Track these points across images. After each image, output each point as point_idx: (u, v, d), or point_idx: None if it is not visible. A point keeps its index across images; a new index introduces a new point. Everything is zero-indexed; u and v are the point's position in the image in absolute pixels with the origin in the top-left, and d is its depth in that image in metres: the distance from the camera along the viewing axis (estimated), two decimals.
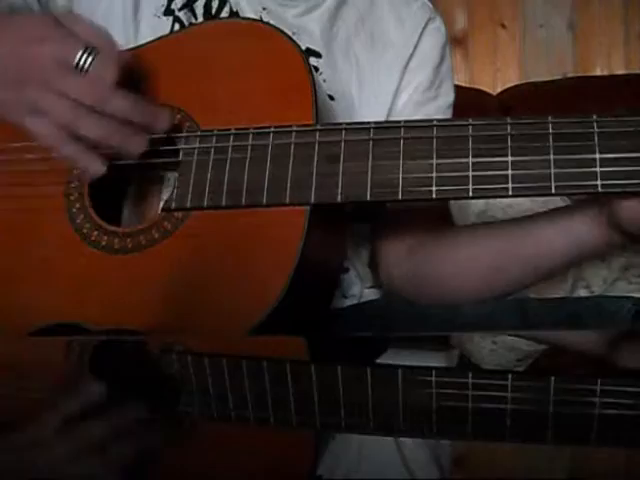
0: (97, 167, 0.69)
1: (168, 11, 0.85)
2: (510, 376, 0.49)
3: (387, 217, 0.87)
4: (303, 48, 0.83)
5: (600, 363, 0.53)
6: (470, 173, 0.64)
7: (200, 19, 0.85)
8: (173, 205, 0.71)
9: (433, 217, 0.85)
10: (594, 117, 0.63)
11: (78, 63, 0.67)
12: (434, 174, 0.65)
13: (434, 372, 0.51)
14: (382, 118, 0.87)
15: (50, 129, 0.68)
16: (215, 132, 0.71)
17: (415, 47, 0.89)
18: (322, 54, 0.86)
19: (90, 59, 0.67)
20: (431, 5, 0.93)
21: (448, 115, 0.91)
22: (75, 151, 0.69)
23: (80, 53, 0.67)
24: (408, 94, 0.89)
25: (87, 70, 0.67)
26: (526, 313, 0.76)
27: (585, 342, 0.63)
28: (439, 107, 0.90)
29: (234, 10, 0.85)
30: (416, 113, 0.88)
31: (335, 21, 0.88)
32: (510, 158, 0.63)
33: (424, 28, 0.90)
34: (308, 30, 0.86)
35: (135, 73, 0.76)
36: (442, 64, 0.91)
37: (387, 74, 0.88)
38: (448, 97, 0.92)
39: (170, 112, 0.72)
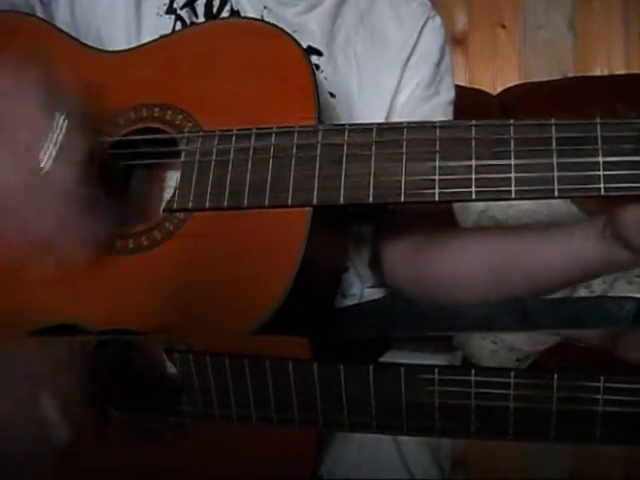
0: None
1: (170, 10, 0.85)
2: (512, 374, 0.49)
3: (391, 217, 0.87)
4: (304, 46, 0.83)
5: (600, 363, 0.53)
6: (473, 176, 0.64)
7: (201, 18, 0.85)
8: (175, 206, 0.71)
9: (437, 218, 0.85)
10: (597, 120, 0.63)
11: (54, 133, 0.67)
12: (437, 176, 0.65)
13: (436, 371, 0.51)
14: (382, 115, 0.87)
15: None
16: (217, 133, 0.71)
17: (415, 45, 0.89)
18: (323, 52, 0.86)
19: (66, 123, 0.67)
20: (430, 4, 0.93)
21: (449, 112, 0.91)
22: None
23: (57, 117, 0.67)
24: (409, 92, 0.89)
25: (59, 142, 0.67)
26: (526, 313, 0.76)
27: (586, 342, 0.63)
28: (440, 104, 0.90)
29: (235, 9, 0.85)
30: (416, 110, 0.88)
31: (335, 19, 0.88)
32: (513, 161, 0.63)
33: (423, 26, 0.90)
34: (309, 29, 0.86)
35: (135, 75, 0.76)
36: (442, 61, 0.92)
37: (387, 72, 0.88)
38: (448, 94, 0.92)
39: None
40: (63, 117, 0.67)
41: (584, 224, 0.72)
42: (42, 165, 0.66)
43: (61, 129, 0.67)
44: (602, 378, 0.46)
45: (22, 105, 0.67)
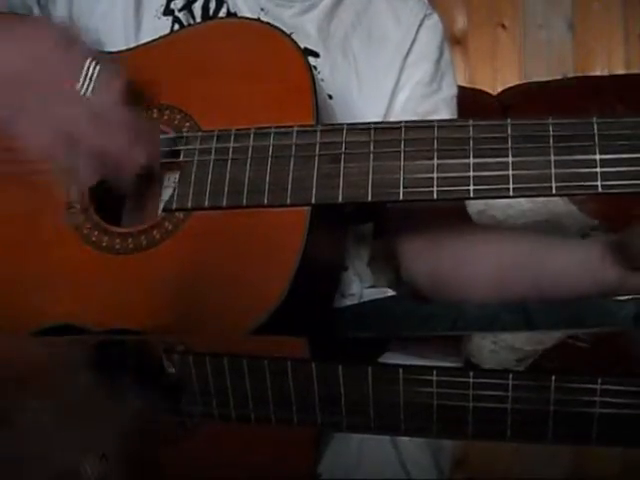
0: (89, 177, 0.69)
1: (167, 11, 0.85)
2: (510, 375, 0.49)
3: (407, 213, 0.87)
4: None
5: (600, 364, 0.53)
6: (471, 174, 0.64)
7: (198, 20, 0.85)
8: (174, 205, 0.71)
9: (452, 214, 0.85)
10: (594, 119, 0.63)
11: (87, 71, 0.67)
12: (435, 175, 0.65)
13: (435, 371, 0.51)
14: (381, 115, 0.87)
15: (49, 139, 0.67)
16: (216, 133, 0.71)
17: (412, 43, 0.90)
18: (320, 53, 0.86)
19: (97, 67, 0.68)
20: (426, 2, 0.93)
21: (453, 106, 0.91)
22: (72, 161, 0.68)
23: (88, 61, 0.67)
24: (410, 90, 0.89)
25: (94, 79, 0.67)
26: (527, 313, 0.76)
27: (586, 342, 0.63)
28: (443, 99, 0.90)
29: (232, 11, 0.86)
30: (420, 106, 0.88)
31: (332, 20, 0.88)
32: (511, 159, 0.63)
33: (420, 24, 0.90)
34: (305, 30, 0.86)
35: (132, 75, 0.76)
36: (441, 59, 0.92)
37: (385, 71, 0.88)
38: (451, 89, 0.92)
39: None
40: (94, 62, 0.68)
41: (600, 251, 0.73)
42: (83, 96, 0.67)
43: (94, 71, 0.67)
44: (602, 379, 0.46)
45: (50, 60, 0.69)
